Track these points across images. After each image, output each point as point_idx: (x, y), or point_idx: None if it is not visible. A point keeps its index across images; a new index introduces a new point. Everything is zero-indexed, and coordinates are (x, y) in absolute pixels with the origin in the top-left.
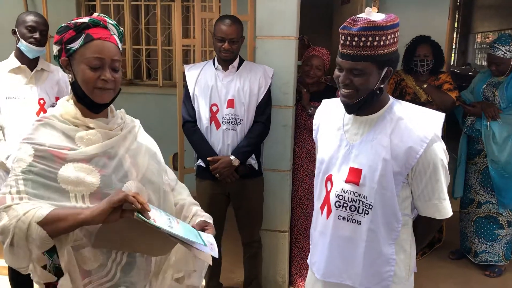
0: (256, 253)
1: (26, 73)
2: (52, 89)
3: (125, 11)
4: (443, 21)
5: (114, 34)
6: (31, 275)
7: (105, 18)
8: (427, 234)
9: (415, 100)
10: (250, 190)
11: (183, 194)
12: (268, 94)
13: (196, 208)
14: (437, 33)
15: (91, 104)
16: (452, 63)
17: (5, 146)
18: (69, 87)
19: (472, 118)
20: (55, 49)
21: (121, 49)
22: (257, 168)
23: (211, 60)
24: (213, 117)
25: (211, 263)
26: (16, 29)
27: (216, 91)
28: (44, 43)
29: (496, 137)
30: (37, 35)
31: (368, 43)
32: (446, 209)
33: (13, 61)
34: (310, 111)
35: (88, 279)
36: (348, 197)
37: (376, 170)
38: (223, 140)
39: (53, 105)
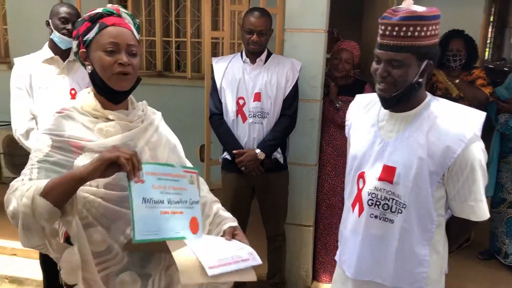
0: (280, 247)
1: (58, 63)
2: (83, 79)
3: (155, 3)
4: (478, 14)
5: (129, 23)
6: (50, 254)
7: (118, 7)
8: (461, 235)
9: (446, 95)
10: (275, 184)
11: (203, 191)
12: (295, 88)
13: (217, 207)
14: (472, 26)
15: (110, 92)
16: (486, 57)
17: (38, 135)
18: None
19: (506, 115)
20: (74, 44)
21: (137, 38)
22: (282, 162)
23: (239, 53)
24: (239, 110)
25: (255, 279)
26: (49, 20)
27: (243, 84)
28: None
29: None
30: (69, 26)
31: (409, 33)
32: (482, 211)
33: (46, 52)
34: (338, 105)
35: (96, 260)
36: (381, 195)
37: (411, 168)
38: (249, 133)
39: None
